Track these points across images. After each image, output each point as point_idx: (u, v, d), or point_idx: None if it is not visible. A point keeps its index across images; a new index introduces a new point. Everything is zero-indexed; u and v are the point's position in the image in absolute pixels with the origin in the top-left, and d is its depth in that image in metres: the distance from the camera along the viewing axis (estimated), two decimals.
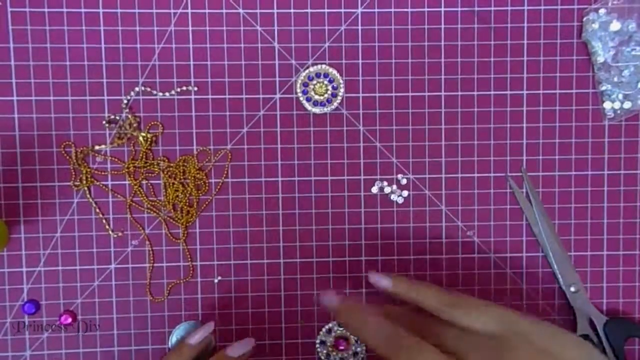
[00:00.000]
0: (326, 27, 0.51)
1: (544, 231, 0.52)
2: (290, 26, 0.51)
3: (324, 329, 0.52)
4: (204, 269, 0.52)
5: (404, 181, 0.52)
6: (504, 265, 0.53)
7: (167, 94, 0.51)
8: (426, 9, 0.51)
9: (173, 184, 0.51)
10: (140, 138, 0.50)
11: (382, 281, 0.44)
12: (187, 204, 0.51)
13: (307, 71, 0.51)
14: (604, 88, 0.52)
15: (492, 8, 0.52)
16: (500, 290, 0.53)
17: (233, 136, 0.51)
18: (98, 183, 0.51)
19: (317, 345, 0.52)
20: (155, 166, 0.51)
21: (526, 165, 0.53)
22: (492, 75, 0.52)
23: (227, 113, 0.51)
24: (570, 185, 0.53)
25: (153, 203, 0.51)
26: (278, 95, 0.51)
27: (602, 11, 0.51)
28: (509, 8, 0.52)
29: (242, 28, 0.51)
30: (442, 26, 0.51)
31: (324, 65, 0.51)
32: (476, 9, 0.52)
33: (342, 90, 0.51)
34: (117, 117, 0.51)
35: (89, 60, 0.50)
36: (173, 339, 0.51)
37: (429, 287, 0.42)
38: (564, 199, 0.53)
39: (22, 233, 0.50)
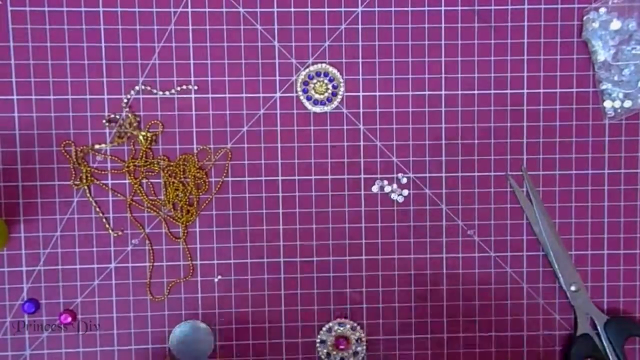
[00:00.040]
0: (326, 26, 0.51)
1: (544, 230, 0.52)
2: (290, 25, 0.51)
3: (324, 328, 0.52)
4: (204, 268, 0.52)
5: (404, 180, 0.52)
6: (505, 265, 0.53)
7: (167, 92, 0.51)
8: (426, 8, 0.51)
9: (173, 183, 0.51)
10: (141, 137, 0.50)
11: None
12: (187, 203, 0.51)
13: (307, 70, 0.51)
14: (604, 87, 0.51)
15: (493, 7, 0.52)
16: (500, 289, 0.53)
17: (233, 135, 0.51)
18: (98, 182, 0.51)
19: (317, 345, 0.52)
20: (156, 165, 0.51)
21: (526, 164, 0.52)
22: (492, 74, 0.52)
23: (227, 112, 0.51)
24: (571, 184, 0.53)
25: (153, 202, 0.51)
26: (278, 94, 0.51)
27: (602, 10, 0.51)
28: (509, 7, 0.52)
29: (242, 27, 0.51)
30: (443, 25, 0.51)
31: (324, 64, 0.51)
32: (476, 7, 0.52)
33: (342, 89, 0.51)
34: (117, 116, 0.51)
35: (89, 59, 0.50)
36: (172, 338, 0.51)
37: None
38: (565, 198, 0.53)
39: (22, 232, 0.50)
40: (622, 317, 0.52)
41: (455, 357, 0.53)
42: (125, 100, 0.50)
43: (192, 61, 0.51)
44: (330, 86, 0.51)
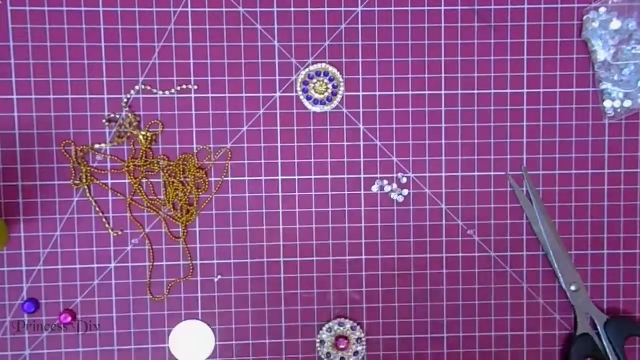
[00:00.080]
0: (326, 26, 0.51)
1: (544, 230, 0.52)
2: (290, 25, 0.51)
3: (324, 328, 0.52)
4: (204, 267, 0.52)
5: (404, 180, 0.52)
6: (505, 264, 0.53)
7: (167, 92, 0.51)
8: (426, 8, 0.51)
9: (173, 182, 0.51)
10: (141, 137, 0.50)
11: None
12: (187, 202, 0.51)
13: (307, 70, 0.51)
14: (604, 87, 0.51)
15: (493, 7, 0.52)
16: (500, 289, 0.53)
17: (233, 135, 0.51)
18: (98, 182, 0.51)
19: (318, 345, 0.52)
20: (156, 165, 0.51)
21: (527, 164, 0.52)
22: (492, 74, 0.52)
23: (227, 112, 0.51)
24: (571, 184, 0.53)
25: (153, 202, 0.51)
26: (278, 94, 0.51)
27: (602, 10, 0.51)
28: (509, 7, 0.52)
29: (242, 27, 0.51)
30: (443, 25, 0.51)
31: (324, 64, 0.51)
32: (476, 7, 0.52)
33: (342, 88, 0.51)
34: (117, 116, 0.51)
35: (89, 58, 0.50)
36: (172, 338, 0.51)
37: None
38: (565, 198, 0.53)
39: (22, 232, 0.50)
40: (622, 317, 0.52)
41: (455, 357, 0.53)
42: (125, 100, 0.50)
43: (192, 61, 0.51)
44: (330, 86, 0.51)
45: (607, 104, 0.52)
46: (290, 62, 0.51)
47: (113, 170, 0.51)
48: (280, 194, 0.52)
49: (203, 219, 0.51)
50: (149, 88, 0.51)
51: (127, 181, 0.51)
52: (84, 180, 0.50)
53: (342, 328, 0.52)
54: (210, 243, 0.52)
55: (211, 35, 0.51)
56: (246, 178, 0.51)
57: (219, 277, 0.52)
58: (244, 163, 0.51)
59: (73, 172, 0.50)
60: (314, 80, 0.51)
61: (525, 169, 0.52)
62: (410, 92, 0.52)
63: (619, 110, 0.52)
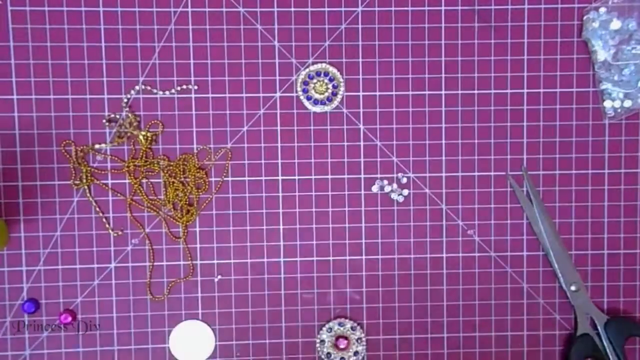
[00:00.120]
0: (326, 26, 0.51)
1: (544, 230, 0.52)
2: (290, 25, 0.51)
3: (324, 328, 0.52)
4: (204, 267, 0.52)
5: (404, 180, 0.52)
6: (505, 264, 0.53)
7: (167, 92, 0.51)
8: (426, 8, 0.51)
9: (173, 182, 0.51)
10: (141, 137, 0.50)
11: None
12: (187, 202, 0.51)
13: (307, 70, 0.51)
14: (604, 87, 0.51)
15: (493, 7, 0.52)
16: (500, 289, 0.53)
17: (233, 135, 0.51)
18: (98, 182, 0.51)
19: (318, 344, 0.52)
20: (156, 165, 0.51)
21: (527, 163, 0.52)
22: (492, 74, 0.52)
23: (227, 112, 0.51)
24: (571, 184, 0.53)
25: (153, 202, 0.51)
26: (278, 94, 0.51)
27: (602, 10, 0.51)
28: (509, 7, 0.52)
29: (242, 26, 0.51)
30: (443, 25, 0.51)
31: (324, 64, 0.51)
32: (476, 7, 0.52)
33: (342, 88, 0.51)
34: (117, 116, 0.51)
35: (89, 58, 0.50)
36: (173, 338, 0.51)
37: None
38: (565, 198, 0.53)
39: (22, 232, 0.50)
40: (622, 317, 0.52)
41: (455, 357, 0.53)
42: (125, 100, 0.50)
43: (192, 61, 0.51)
44: (330, 86, 0.51)
45: (607, 104, 0.52)
46: (290, 62, 0.51)
47: (113, 170, 0.51)
48: (280, 194, 0.52)
49: (203, 219, 0.51)
50: (149, 88, 0.51)
51: (127, 181, 0.51)
52: (84, 180, 0.50)
53: (342, 328, 0.52)
54: (210, 243, 0.52)
55: (211, 35, 0.51)
56: (246, 178, 0.51)
57: (219, 277, 0.52)
58: (244, 163, 0.51)
59: (73, 172, 0.50)
60: (314, 80, 0.51)
61: (525, 169, 0.52)
62: (410, 92, 0.52)
63: (619, 110, 0.52)
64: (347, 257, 0.52)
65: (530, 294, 0.53)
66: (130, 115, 0.50)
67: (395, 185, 0.52)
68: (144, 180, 0.51)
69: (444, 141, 0.52)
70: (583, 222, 0.53)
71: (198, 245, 0.52)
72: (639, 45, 0.50)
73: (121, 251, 0.51)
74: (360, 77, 0.51)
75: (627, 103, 0.51)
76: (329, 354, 0.52)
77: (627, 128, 0.53)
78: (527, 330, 0.53)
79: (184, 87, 0.51)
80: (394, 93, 0.52)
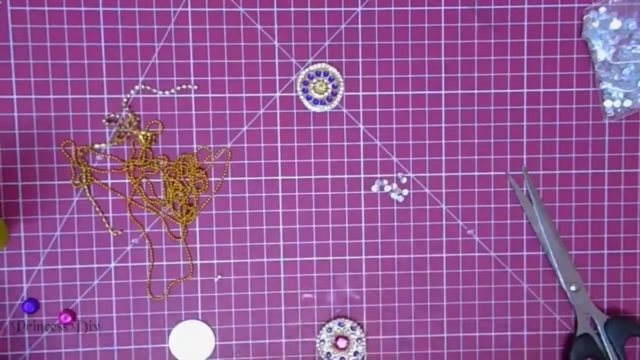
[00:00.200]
0: (326, 26, 0.51)
1: (544, 230, 0.52)
2: (290, 24, 0.51)
3: (324, 328, 0.52)
4: (204, 267, 0.52)
5: (404, 180, 0.52)
6: (505, 264, 0.53)
7: (167, 92, 0.51)
8: (426, 8, 0.51)
9: (173, 182, 0.51)
10: (140, 136, 0.50)
11: None
12: (187, 202, 0.51)
13: (307, 70, 0.51)
14: (604, 86, 0.51)
15: (492, 6, 0.52)
16: (500, 289, 0.53)
17: (233, 135, 0.51)
18: (98, 182, 0.51)
19: (317, 344, 0.52)
20: (155, 165, 0.51)
21: (526, 163, 0.52)
22: (492, 74, 0.52)
23: (227, 111, 0.51)
24: (571, 184, 0.53)
25: (153, 202, 0.51)
26: (278, 94, 0.51)
27: (602, 9, 0.51)
28: (509, 6, 0.52)
29: (242, 26, 0.51)
30: (442, 24, 0.51)
31: (324, 64, 0.51)
32: (476, 7, 0.52)
33: (342, 88, 0.51)
34: (117, 116, 0.51)
35: (88, 58, 0.50)
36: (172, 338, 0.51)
37: None
38: (565, 198, 0.53)
39: (22, 232, 0.50)
40: (622, 317, 0.52)
41: (455, 357, 0.53)
42: (125, 100, 0.50)
43: (192, 61, 0.51)
44: (330, 86, 0.51)
45: (607, 103, 0.52)
46: (290, 62, 0.51)
47: (113, 170, 0.51)
48: (280, 194, 0.52)
49: (203, 218, 0.51)
50: (148, 88, 0.51)
51: (127, 181, 0.51)
52: (84, 180, 0.50)
53: (342, 328, 0.52)
54: (210, 243, 0.52)
55: (211, 35, 0.51)
56: (246, 178, 0.51)
57: (219, 277, 0.52)
58: (244, 163, 0.51)
59: (73, 172, 0.50)
60: (314, 80, 0.51)
61: (525, 169, 0.52)
62: (410, 92, 0.52)
63: (619, 110, 0.52)
64: (347, 257, 0.52)
65: (530, 293, 0.53)
66: (130, 115, 0.50)
67: (395, 185, 0.52)
68: (144, 180, 0.51)
69: (443, 141, 0.52)
70: (583, 222, 0.53)
71: (198, 245, 0.52)
72: (639, 45, 0.50)
73: (121, 251, 0.51)
74: (360, 77, 0.51)
75: (627, 103, 0.51)
76: (328, 353, 0.52)
77: (627, 128, 0.52)
78: (527, 330, 0.53)
79: (184, 87, 0.51)
80: (393, 93, 0.52)
